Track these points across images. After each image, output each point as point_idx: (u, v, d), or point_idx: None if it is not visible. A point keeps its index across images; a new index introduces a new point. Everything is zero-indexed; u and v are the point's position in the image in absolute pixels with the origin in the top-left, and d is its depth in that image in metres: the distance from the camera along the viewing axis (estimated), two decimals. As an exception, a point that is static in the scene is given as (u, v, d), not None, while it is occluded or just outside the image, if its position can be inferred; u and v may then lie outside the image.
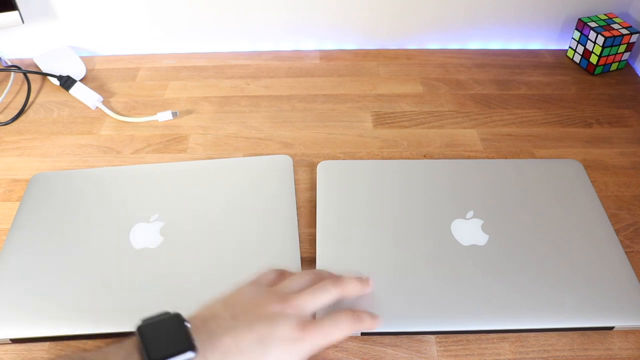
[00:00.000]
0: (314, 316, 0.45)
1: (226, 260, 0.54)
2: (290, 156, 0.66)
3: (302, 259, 0.56)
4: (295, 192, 0.62)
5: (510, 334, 0.50)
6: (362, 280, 0.47)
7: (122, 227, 0.56)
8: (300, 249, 0.57)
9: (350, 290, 0.46)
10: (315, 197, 0.61)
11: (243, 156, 0.69)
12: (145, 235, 0.56)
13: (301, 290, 0.44)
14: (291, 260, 0.54)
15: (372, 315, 0.46)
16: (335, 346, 0.50)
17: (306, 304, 0.43)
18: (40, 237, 0.56)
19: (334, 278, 0.46)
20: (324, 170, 0.64)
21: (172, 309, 0.41)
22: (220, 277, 0.52)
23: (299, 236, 0.58)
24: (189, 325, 0.40)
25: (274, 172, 0.64)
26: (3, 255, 0.55)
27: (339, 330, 0.43)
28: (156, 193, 0.61)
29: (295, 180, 0.64)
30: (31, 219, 0.58)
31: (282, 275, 0.47)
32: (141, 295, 0.51)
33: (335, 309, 0.45)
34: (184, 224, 0.57)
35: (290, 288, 0.45)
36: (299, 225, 0.59)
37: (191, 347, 0.38)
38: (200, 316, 0.42)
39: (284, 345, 0.40)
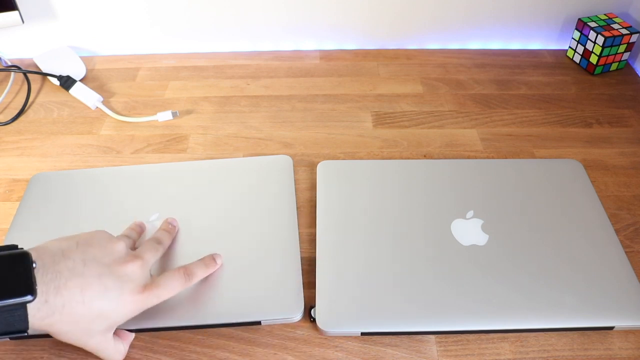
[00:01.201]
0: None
1: (226, 259, 0.54)
2: (290, 156, 0.66)
3: (302, 259, 0.56)
4: (295, 192, 0.62)
5: (510, 334, 0.50)
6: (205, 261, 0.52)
7: (124, 227, 0.56)
8: (300, 249, 0.57)
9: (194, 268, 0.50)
10: (315, 197, 0.61)
11: (243, 156, 0.69)
12: (147, 235, 0.56)
13: (149, 249, 0.49)
14: (291, 260, 0.54)
15: (206, 263, 0.51)
16: (335, 346, 0.50)
17: (148, 263, 0.47)
18: (39, 237, 0.56)
19: (166, 227, 0.54)
20: (324, 170, 0.64)
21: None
22: (220, 276, 0.53)
23: (299, 236, 0.58)
24: (35, 264, 0.39)
25: (274, 172, 0.64)
26: None
27: (173, 289, 0.47)
28: (156, 193, 0.61)
29: (295, 180, 0.64)
30: (31, 218, 0.58)
31: (140, 229, 0.54)
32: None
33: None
34: (183, 224, 0.57)
35: (141, 245, 0.49)
36: (298, 225, 0.59)
37: (30, 291, 0.37)
38: (50, 253, 0.41)
39: (124, 302, 0.43)
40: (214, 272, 0.52)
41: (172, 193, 0.61)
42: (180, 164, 0.66)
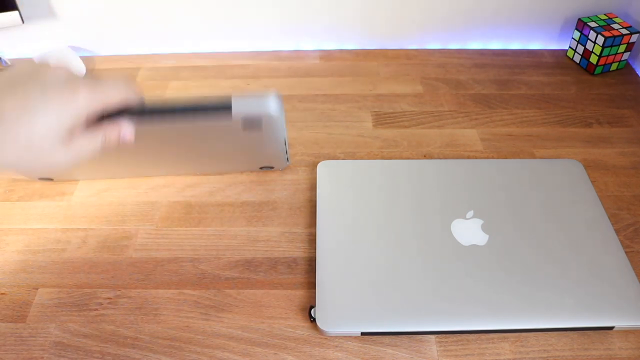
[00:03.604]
0: None
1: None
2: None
3: (302, 259, 0.56)
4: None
5: (510, 334, 0.51)
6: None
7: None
8: (301, 249, 0.57)
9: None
10: (315, 197, 0.61)
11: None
12: None
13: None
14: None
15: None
16: (335, 346, 0.50)
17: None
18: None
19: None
20: (324, 170, 0.64)
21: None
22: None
23: (299, 236, 0.58)
24: None
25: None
26: None
27: (117, 88, 0.42)
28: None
29: (295, 180, 0.64)
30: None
31: None
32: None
33: None
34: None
35: None
36: (298, 225, 0.59)
37: None
38: None
39: (55, 100, 0.39)
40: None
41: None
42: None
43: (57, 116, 0.39)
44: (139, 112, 0.47)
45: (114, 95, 0.42)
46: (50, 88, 0.39)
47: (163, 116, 0.49)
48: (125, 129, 0.45)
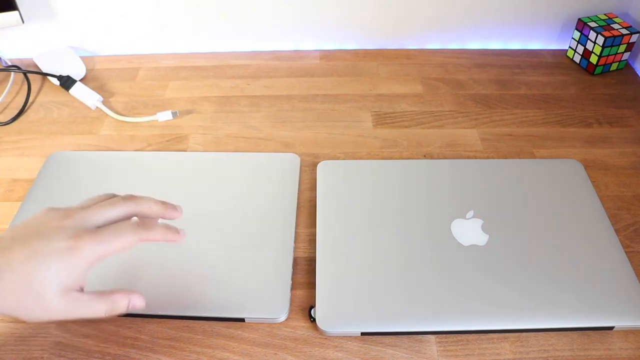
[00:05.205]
0: None
1: (218, 253, 0.55)
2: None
3: (303, 259, 0.56)
4: (298, 191, 0.62)
5: (510, 334, 0.50)
6: (164, 202, 0.46)
7: None
8: (301, 249, 0.57)
9: (146, 206, 0.45)
10: (315, 197, 0.61)
11: (243, 156, 0.69)
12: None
13: (93, 204, 0.43)
14: (283, 259, 0.55)
15: (168, 227, 0.44)
16: (335, 346, 0.50)
17: (89, 216, 0.42)
18: None
19: (127, 195, 0.45)
20: (324, 170, 0.64)
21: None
22: (209, 269, 0.53)
23: (297, 236, 0.58)
24: None
25: (279, 170, 0.64)
26: None
27: (120, 237, 0.41)
28: (160, 181, 0.62)
29: (295, 180, 0.64)
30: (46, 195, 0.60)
31: (89, 200, 0.45)
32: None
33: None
34: (184, 212, 0.57)
35: (81, 205, 0.44)
36: (297, 224, 0.59)
37: None
38: None
39: (58, 256, 0.39)
40: (201, 265, 0.52)
41: (174, 182, 0.62)
42: (187, 154, 0.67)
43: (62, 266, 0.39)
44: None
45: (118, 243, 0.42)
46: (56, 238, 0.40)
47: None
48: (136, 300, 0.44)
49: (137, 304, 0.44)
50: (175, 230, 0.46)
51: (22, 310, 0.40)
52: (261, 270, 0.53)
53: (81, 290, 0.42)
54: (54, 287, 0.39)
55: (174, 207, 0.47)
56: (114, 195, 0.45)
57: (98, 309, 0.42)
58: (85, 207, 0.43)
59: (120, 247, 0.42)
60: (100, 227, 0.42)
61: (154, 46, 0.88)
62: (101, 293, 0.42)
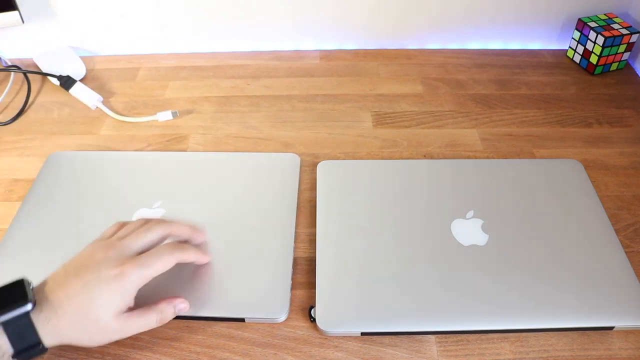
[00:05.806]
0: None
1: (218, 253, 0.55)
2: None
3: (302, 259, 0.56)
4: (298, 190, 0.62)
5: (510, 334, 0.50)
6: (192, 225, 0.52)
7: (121, 213, 0.58)
8: (301, 248, 0.57)
9: (178, 229, 0.51)
10: (315, 197, 0.61)
11: (243, 156, 0.69)
12: None
13: (130, 233, 0.48)
14: (283, 260, 0.54)
15: (199, 249, 0.51)
16: (335, 346, 0.50)
17: (129, 244, 0.47)
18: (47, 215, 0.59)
19: (160, 219, 0.51)
20: (324, 170, 0.64)
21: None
22: (209, 269, 0.53)
23: (298, 236, 0.58)
24: (31, 287, 0.44)
25: (280, 170, 0.64)
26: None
27: (161, 260, 0.46)
28: (162, 181, 0.62)
29: (295, 180, 0.64)
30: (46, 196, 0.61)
31: (122, 225, 0.50)
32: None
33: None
34: (183, 213, 0.58)
35: (120, 235, 0.48)
36: (297, 224, 0.59)
37: (28, 300, 0.42)
38: (42, 281, 0.45)
39: (106, 284, 0.44)
40: (201, 265, 0.53)
41: (174, 182, 0.62)
42: (187, 154, 0.68)
43: (112, 292, 0.44)
44: None
45: (159, 266, 0.46)
46: (104, 268, 0.44)
47: None
48: (180, 304, 0.49)
49: (183, 307, 0.49)
50: (205, 252, 0.53)
51: (83, 337, 0.44)
52: (261, 270, 0.53)
53: (131, 309, 0.46)
54: (109, 312, 0.44)
55: (200, 230, 0.53)
56: (147, 221, 0.50)
57: (150, 321, 0.47)
58: (123, 236, 0.48)
59: (161, 268, 0.47)
60: (141, 253, 0.47)
61: (154, 46, 0.88)
62: (149, 306, 0.47)
